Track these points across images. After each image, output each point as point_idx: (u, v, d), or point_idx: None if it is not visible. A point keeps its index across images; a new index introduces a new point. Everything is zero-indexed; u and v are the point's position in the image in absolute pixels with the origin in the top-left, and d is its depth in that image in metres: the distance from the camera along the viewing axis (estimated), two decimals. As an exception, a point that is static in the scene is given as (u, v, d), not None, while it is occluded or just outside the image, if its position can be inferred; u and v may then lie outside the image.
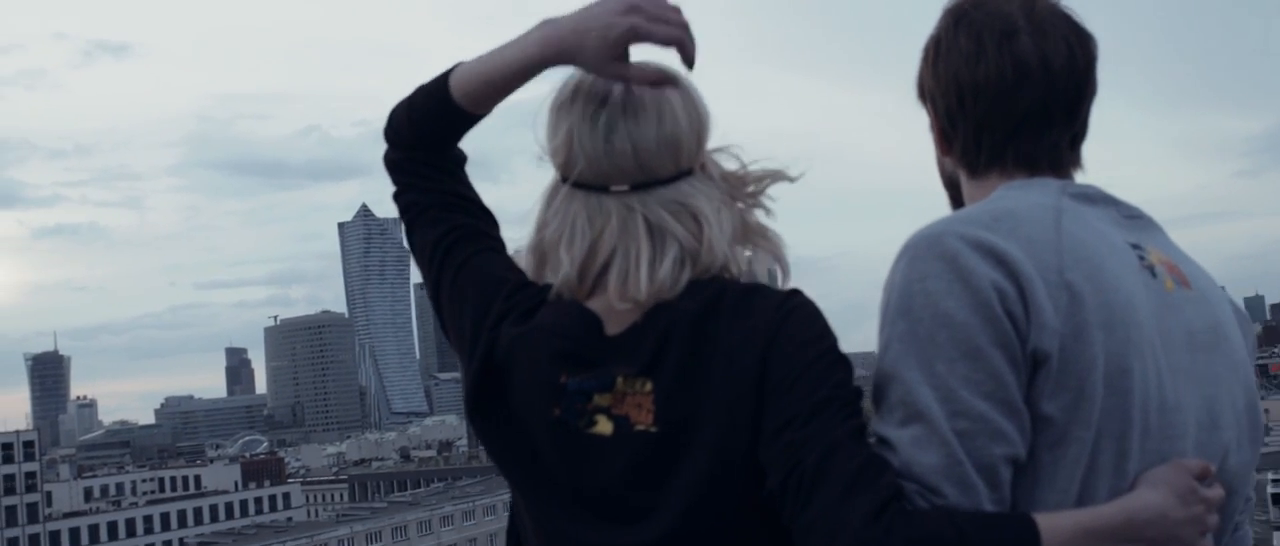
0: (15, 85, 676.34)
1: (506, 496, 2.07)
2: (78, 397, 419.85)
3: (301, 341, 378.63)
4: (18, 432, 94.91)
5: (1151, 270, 1.43)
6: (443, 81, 1.61)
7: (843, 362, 1.38)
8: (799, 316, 1.41)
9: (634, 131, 1.49)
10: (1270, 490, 76.20)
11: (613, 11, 1.47)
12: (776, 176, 1.57)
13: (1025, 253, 1.33)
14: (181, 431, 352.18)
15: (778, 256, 1.57)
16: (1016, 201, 1.42)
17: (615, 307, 1.48)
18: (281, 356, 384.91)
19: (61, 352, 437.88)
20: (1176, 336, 1.41)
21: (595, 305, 1.51)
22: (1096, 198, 1.47)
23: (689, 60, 1.50)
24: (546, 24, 1.52)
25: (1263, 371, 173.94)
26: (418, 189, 1.69)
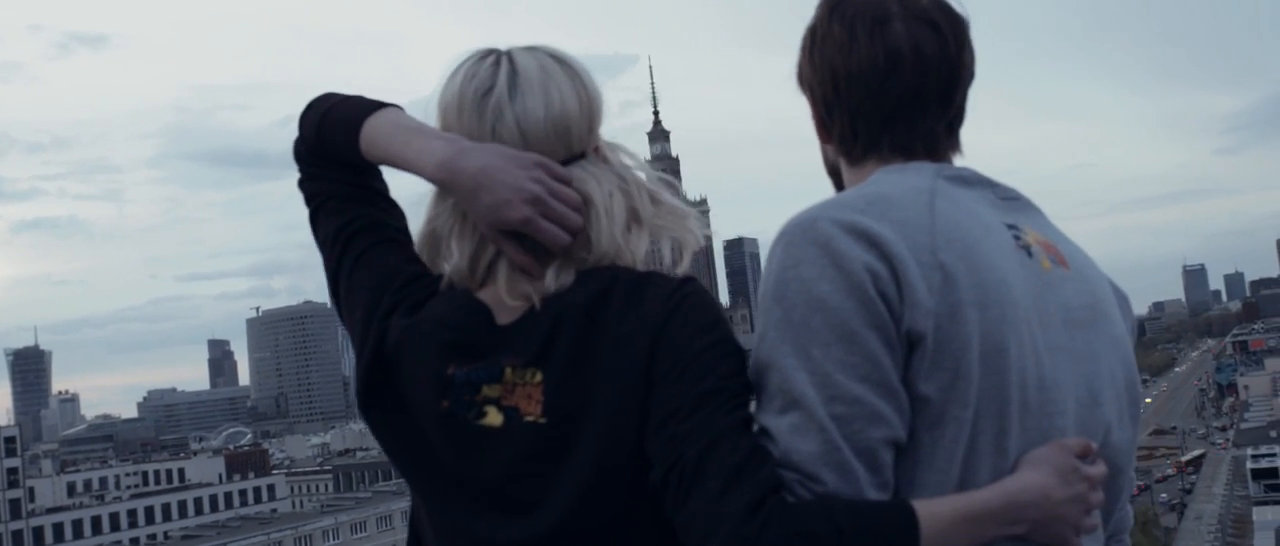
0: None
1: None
2: (60, 392, 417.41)
3: (284, 332, 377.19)
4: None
5: (1028, 250, 1.44)
6: (358, 126, 1.58)
7: (734, 353, 1.38)
8: (690, 305, 1.40)
9: (521, 114, 1.48)
10: (1249, 466, 77.04)
11: (515, 192, 1.44)
12: (689, 247, 1.56)
13: (897, 234, 1.34)
14: (165, 424, 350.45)
15: (678, 234, 1.55)
16: (890, 185, 1.43)
17: (506, 298, 1.47)
18: (264, 347, 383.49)
19: (42, 347, 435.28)
20: (1053, 314, 1.42)
21: (487, 295, 1.50)
22: (972, 180, 1.49)
23: (555, 248, 1.47)
24: (453, 150, 1.48)
25: (1242, 347, 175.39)
26: (322, 178, 1.67)
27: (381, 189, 1.68)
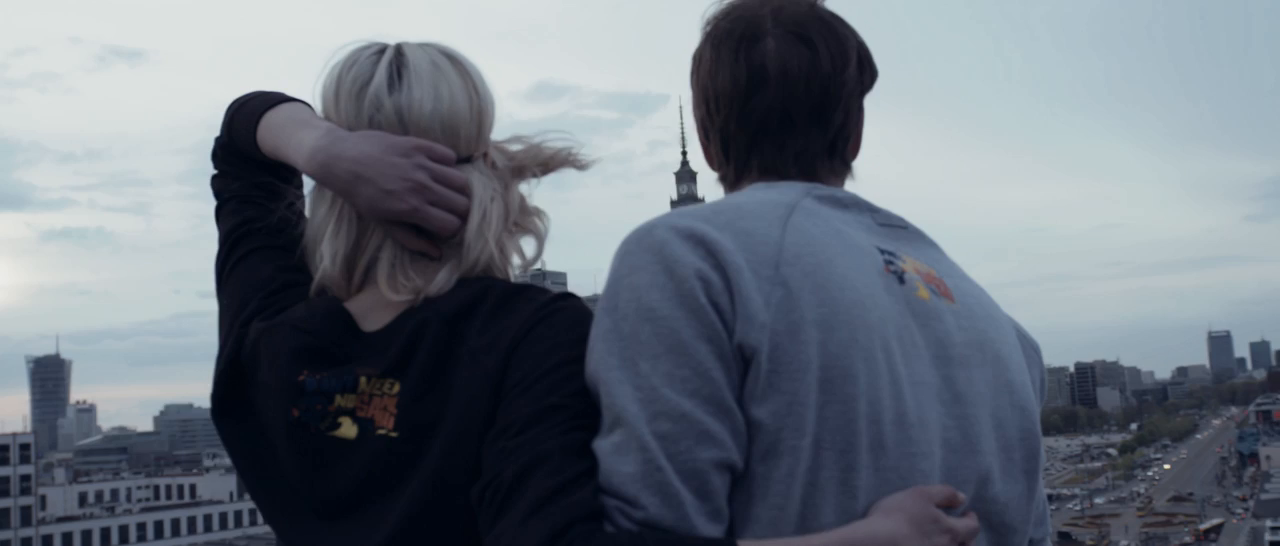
0: (28, 88, 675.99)
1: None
2: (77, 402, 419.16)
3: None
4: (15, 435, 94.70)
5: (900, 276, 1.34)
6: (258, 121, 1.54)
7: None
8: (556, 320, 1.33)
9: (404, 105, 1.42)
10: (1269, 537, 75.90)
11: (398, 181, 1.38)
12: (567, 158, 1.52)
13: (738, 243, 1.26)
14: (180, 439, 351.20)
15: (537, 236, 1.51)
16: (750, 197, 1.36)
17: (388, 295, 1.41)
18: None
19: (63, 356, 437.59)
20: (924, 347, 1.31)
21: (361, 301, 1.44)
22: (849, 203, 1.41)
23: (445, 234, 1.42)
24: (328, 139, 1.42)
25: (1265, 416, 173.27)
26: (229, 177, 1.63)
27: (295, 191, 1.59)
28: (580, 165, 1.52)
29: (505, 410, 1.27)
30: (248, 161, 1.59)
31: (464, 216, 1.42)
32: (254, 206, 1.58)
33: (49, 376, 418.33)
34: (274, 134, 1.51)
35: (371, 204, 1.39)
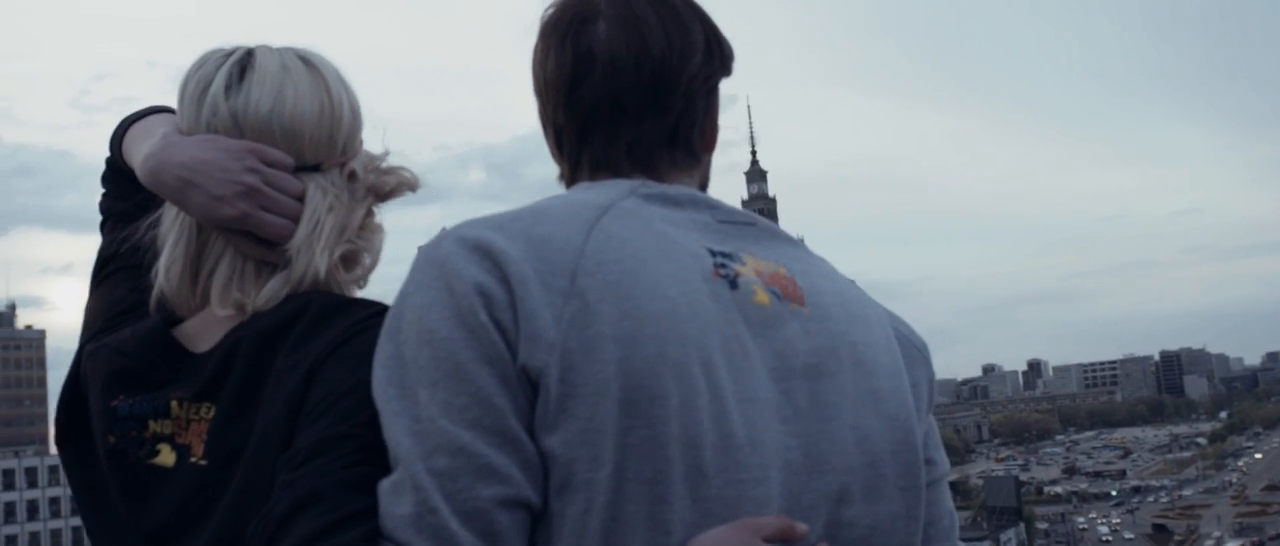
0: (108, 112, 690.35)
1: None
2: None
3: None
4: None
5: (733, 280, 1.20)
6: (123, 135, 1.51)
7: None
8: (364, 340, 1.20)
9: (240, 108, 1.36)
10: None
11: (227, 186, 1.32)
12: (402, 184, 1.46)
13: (529, 252, 1.13)
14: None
15: (370, 252, 1.44)
16: (561, 200, 1.25)
17: (212, 322, 1.34)
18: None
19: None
20: (759, 360, 1.18)
21: (199, 319, 1.36)
22: (683, 200, 1.27)
23: (281, 241, 1.35)
24: (160, 146, 1.36)
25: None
26: (110, 195, 1.59)
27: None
28: (416, 188, 1.48)
29: (299, 437, 1.17)
30: (128, 179, 1.50)
31: (298, 218, 1.36)
32: (129, 224, 1.49)
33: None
34: (128, 148, 1.47)
35: (202, 210, 1.33)
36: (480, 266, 1.12)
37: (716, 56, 1.34)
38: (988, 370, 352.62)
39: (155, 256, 1.42)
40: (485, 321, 1.09)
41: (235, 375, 1.26)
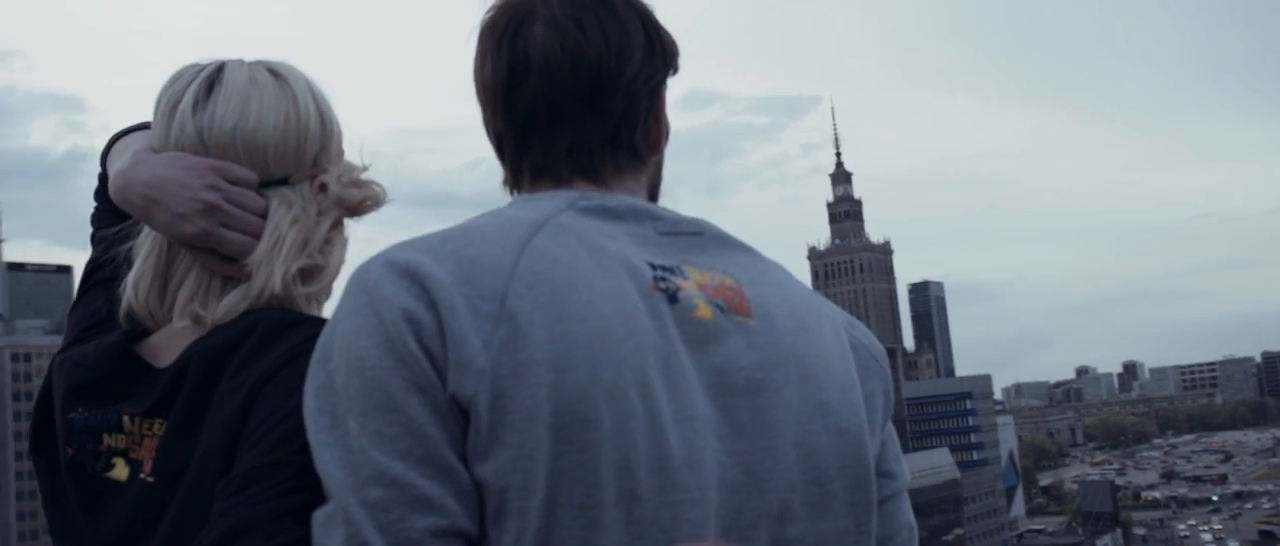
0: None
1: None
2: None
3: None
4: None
5: (672, 294, 1.17)
6: (108, 153, 1.54)
7: None
8: (306, 361, 1.15)
9: (205, 124, 1.36)
10: None
11: (188, 204, 1.33)
12: (369, 199, 1.46)
13: (458, 275, 1.10)
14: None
15: (329, 268, 1.42)
16: (495, 217, 1.20)
17: (175, 336, 1.35)
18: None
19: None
20: (696, 376, 1.15)
21: (165, 333, 1.37)
22: (624, 212, 1.23)
23: (243, 258, 1.36)
24: (128, 163, 1.39)
25: None
26: (98, 209, 1.61)
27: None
28: (381, 204, 1.48)
29: (237, 462, 1.15)
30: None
31: (259, 236, 1.36)
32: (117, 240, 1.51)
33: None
34: (109, 164, 1.50)
35: (165, 227, 1.36)
36: (408, 292, 1.09)
37: (658, 55, 1.30)
38: (1081, 372, 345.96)
39: (129, 269, 1.43)
40: (414, 349, 1.07)
41: (184, 393, 1.25)
